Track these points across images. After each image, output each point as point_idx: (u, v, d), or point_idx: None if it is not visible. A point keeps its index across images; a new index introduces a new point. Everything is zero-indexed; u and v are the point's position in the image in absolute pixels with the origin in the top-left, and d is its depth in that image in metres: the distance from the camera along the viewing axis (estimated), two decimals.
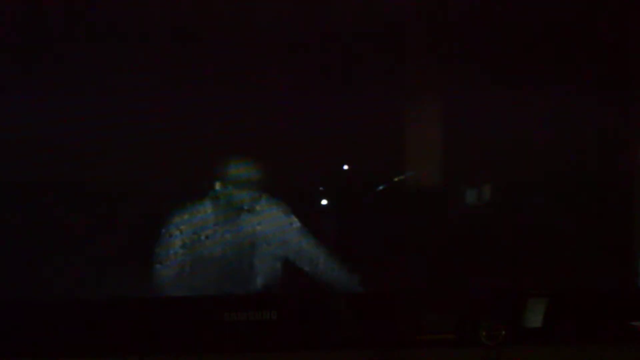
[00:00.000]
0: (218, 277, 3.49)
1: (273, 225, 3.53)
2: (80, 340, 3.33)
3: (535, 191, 3.62)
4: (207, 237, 3.48)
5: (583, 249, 3.61)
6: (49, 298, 3.37)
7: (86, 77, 3.39)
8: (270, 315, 3.42)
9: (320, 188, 3.55)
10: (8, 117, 3.34)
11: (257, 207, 3.51)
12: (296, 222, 3.54)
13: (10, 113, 3.34)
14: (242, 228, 3.51)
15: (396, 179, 3.56)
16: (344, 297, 3.50)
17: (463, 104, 3.55)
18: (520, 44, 3.59)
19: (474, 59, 3.56)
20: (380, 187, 3.56)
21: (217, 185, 3.49)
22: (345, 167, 3.54)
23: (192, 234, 3.47)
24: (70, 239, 3.39)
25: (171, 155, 3.43)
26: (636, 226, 3.66)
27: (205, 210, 3.48)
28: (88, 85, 3.39)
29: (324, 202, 3.55)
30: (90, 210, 3.40)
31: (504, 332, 3.29)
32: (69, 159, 3.38)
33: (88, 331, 3.35)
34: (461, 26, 3.56)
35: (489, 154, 3.58)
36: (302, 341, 3.43)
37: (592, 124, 3.65)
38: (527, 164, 3.60)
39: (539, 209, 3.62)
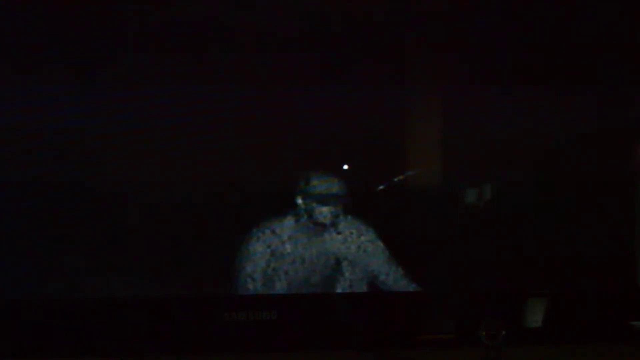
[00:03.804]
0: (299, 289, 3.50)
1: (354, 242, 3.51)
2: (84, 340, 3.35)
3: (535, 191, 3.62)
4: (288, 253, 3.47)
5: (583, 249, 3.61)
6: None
7: (166, 87, 3.42)
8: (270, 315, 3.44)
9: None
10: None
11: (340, 224, 3.49)
12: (377, 240, 3.52)
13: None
14: (324, 244, 3.49)
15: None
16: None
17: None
18: (522, 44, 3.60)
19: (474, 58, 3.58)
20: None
21: (300, 201, 3.48)
22: (346, 166, 3.54)
23: (275, 247, 3.46)
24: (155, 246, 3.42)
25: (256, 170, 3.44)
26: (636, 226, 3.67)
27: (288, 225, 3.47)
28: (173, 94, 3.43)
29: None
30: (173, 220, 3.43)
31: (504, 332, 3.28)
32: (162, 170, 3.41)
33: (93, 331, 3.37)
34: (462, 25, 3.57)
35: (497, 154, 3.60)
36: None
37: (592, 124, 3.65)
38: (527, 164, 3.61)
39: (539, 209, 3.62)
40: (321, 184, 3.47)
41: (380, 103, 3.54)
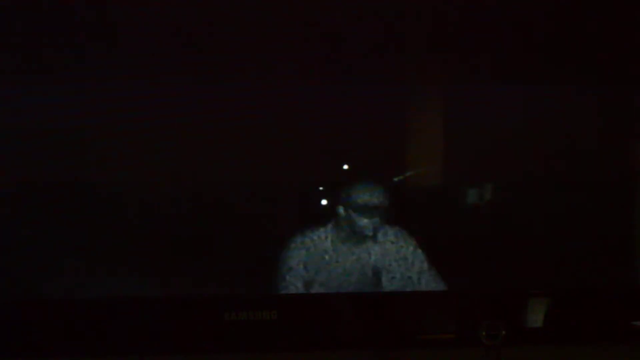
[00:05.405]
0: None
1: (395, 256, 3.47)
2: (81, 340, 3.35)
3: (535, 190, 3.62)
4: (327, 267, 3.44)
5: (583, 249, 3.61)
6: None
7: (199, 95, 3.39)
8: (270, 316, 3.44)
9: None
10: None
11: (380, 236, 3.46)
12: (419, 253, 3.49)
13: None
14: (363, 257, 3.46)
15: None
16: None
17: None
18: (521, 41, 3.59)
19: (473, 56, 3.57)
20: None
21: (340, 211, 3.44)
22: (346, 166, 3.53)
23: (313, 258, 3.43)
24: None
25: (293, 178, 3.42)
26: (636, 226, 3.67)
27: (327, 236, 3.44)
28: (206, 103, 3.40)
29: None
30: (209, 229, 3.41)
31: (504, 332, 3.29)
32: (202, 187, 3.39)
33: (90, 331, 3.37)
34: (461, 22, 3.56)
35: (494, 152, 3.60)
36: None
37: (592, 123, 3.65)
38: (527, 163, 3.61)
39: (538, 208, 3.62)
40: (364, 194, 3.43)
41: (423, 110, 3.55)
